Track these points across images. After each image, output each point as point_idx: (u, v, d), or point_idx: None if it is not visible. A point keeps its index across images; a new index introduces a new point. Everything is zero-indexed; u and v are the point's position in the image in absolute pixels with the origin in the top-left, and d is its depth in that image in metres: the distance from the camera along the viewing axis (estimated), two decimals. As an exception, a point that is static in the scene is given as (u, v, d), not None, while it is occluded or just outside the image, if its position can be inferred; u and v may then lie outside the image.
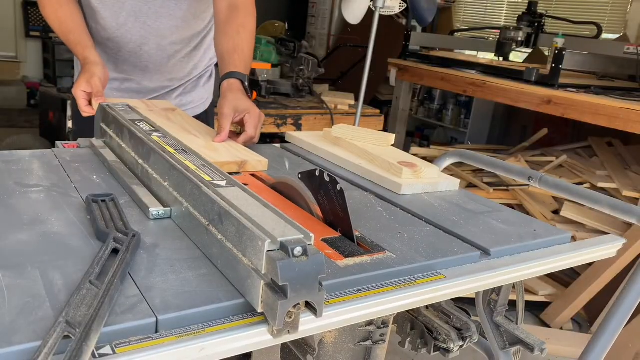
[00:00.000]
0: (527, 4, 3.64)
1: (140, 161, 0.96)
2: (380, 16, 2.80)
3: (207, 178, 0.79)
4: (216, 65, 1.67)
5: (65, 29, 1.42)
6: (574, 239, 0.98)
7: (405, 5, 2.97)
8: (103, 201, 0.84)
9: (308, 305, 0.60)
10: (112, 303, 0.58)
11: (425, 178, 1.13)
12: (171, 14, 1.46)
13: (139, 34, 1.46)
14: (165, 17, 1.46)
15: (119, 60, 1.53)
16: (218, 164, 0.97)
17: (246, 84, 1.32)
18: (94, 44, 1.41)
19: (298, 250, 0.58)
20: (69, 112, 3.62)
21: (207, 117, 1.72)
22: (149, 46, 1.49)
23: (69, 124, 3.59)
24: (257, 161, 1.11)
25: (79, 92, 1.30)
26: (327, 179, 0.87)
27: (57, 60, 6.08)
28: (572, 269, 2.54)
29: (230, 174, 0.88)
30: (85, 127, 1.35)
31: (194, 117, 1.65)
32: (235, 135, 1.24)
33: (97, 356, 0.52)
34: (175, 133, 1.08)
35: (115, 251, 0.69)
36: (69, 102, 3.63)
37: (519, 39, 3.48)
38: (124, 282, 0.64)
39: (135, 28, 1.46)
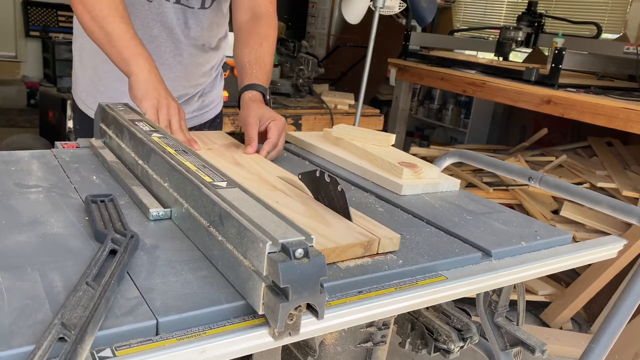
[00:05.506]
0: (527, 4, 3.64)
1: (140, 162, 0.96)
2: (380, 16, 2.80)
3: (207, 179, 0.79)
4: (232, 68, 1.66)
5: (125, 27, 1.21)
6: (574, 239, 0.98)
7: (405, 5, 2.97)
8: (102, 202, 0.84)
9: (309, 307, 0.59)
10: (109, 305, 0.58)
11: (426, 178, 1.13)
12: (199, 23, 1.45)
13: (173, 45, 1.45)
14: (194, 27, 1.45)
15: None
16: (340, 248, 0.74)
17: (267, 97, 1.32)
18: None
19: (299, 252, 0.58)
20: (68, 112, 3.61)
21: (222, 116, 1.72)
22: (182, 57, 1.47)
23: (69, 123, 3.59)
24: (388, 239, 0.80)
25: (179, 132, 1.17)
26: (327, 179, 0.87)
27: (57, 60, 6.08)
28: (572, 268, 2.54)
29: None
30: (86, 128, 1.32)
31: (213, 118, 1.65)
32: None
33: (97, 359, 0.52)
34: (257, 190, 0.87)
35: (113, 252, 0.69)
36: (68, 102, 3.62)
37: (519, 38, 3.48)
38: (123, 283, 0.63)
39: (169, 40, 1.43)
